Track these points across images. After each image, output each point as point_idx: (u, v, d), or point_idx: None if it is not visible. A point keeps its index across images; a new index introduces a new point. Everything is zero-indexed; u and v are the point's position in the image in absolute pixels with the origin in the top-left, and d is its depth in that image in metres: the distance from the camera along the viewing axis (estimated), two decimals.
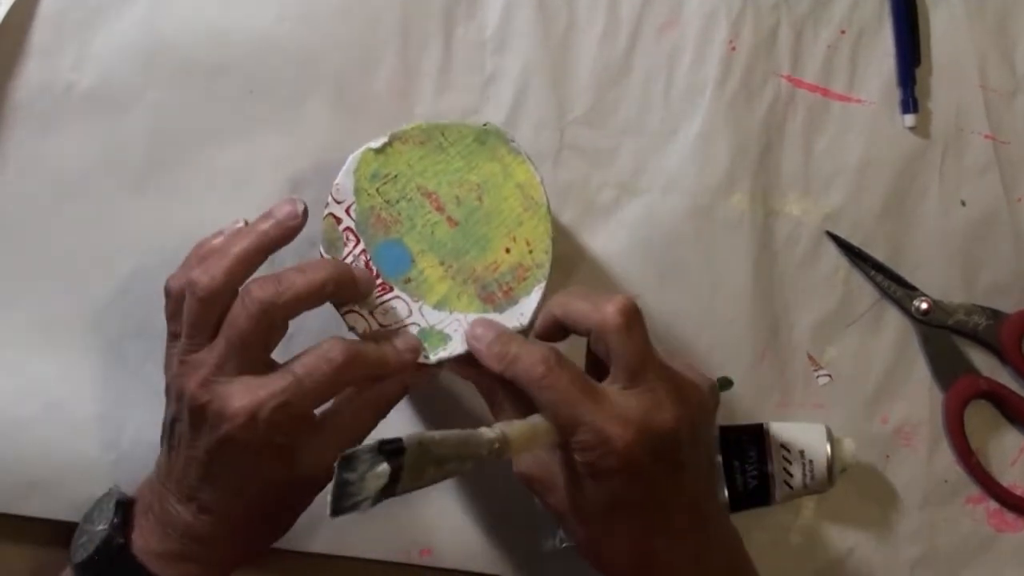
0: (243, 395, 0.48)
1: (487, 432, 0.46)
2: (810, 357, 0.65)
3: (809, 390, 0.65)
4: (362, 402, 0.53)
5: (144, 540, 0.51)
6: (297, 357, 0.50)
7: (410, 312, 0.54)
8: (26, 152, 0.62)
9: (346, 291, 0.52)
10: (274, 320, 0.49)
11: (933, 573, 0.64)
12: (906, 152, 0.66)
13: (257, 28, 0.63)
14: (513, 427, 0.47)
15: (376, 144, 0.55)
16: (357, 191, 0.54)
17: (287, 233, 0.52)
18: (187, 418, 0.50)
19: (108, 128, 0.62)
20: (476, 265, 0.54)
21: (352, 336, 0.53)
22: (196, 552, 0.51)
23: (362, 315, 0.54)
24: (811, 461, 0.61)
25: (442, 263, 0.54)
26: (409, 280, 0.54)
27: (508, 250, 0.54)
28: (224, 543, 0.51)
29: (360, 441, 0.51)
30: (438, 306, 0.54)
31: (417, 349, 0.53)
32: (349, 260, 0.54)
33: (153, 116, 0.62)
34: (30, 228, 0.62)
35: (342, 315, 0.54)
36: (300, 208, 0.52)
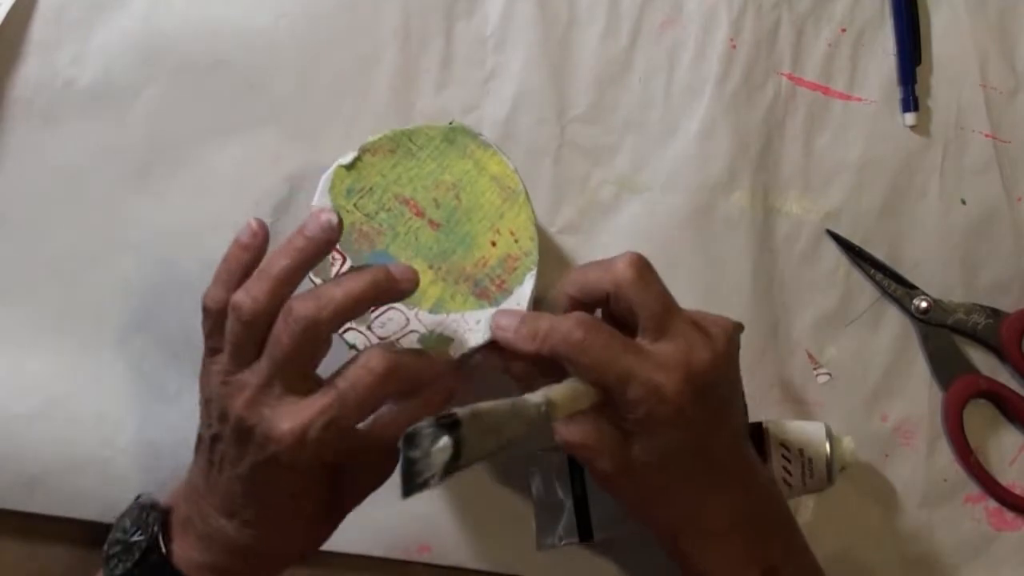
0: (290, 417, 0.47)
1: (532, 397, 0.46)
2: (810, 355, 0.65)
3: (809, 388, 0.65)
4: (403, 408, 0.52)
5: (186, 552, 0.51)
6: (339, 372, 0.49)
7: (407, 321, 0.54)
8: (26, 147, 0.62)
9: (388, 293, 0.50)
10: (317, 337, 0.48)
11: (932, 572, 0.64)
12: (906, 151, 0.66)
13: (257, 25, 0.63)
14: (554, 390, 0.48)
15: (346, 160, 0.54)
16: (335, 209, 0.54)
17: (322, 248, 0.51)
18: (232, 438, 0.49)
19: (107, 124, 0.62)
20: (465, 263, 0.54)
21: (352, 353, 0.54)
22: (239, 565, 0.51)
23: (360, 331, 0.54)
24: (810, 460, 0.61)
25: (431, 267, 0.54)
26: None
27: (494, 243, 0.54)
28: (268, 555, 0.52)
29: None
30: (434, 310, 0.54)
31: (450, 360, 0.53)
32: None
33: (152, 112, 0.62)
34: (29, 224, 0.62)
35: (340, 335, 0.53)
36: (333, 221, 0.50)
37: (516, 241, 0.54)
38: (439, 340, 0.53)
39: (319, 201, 0.54)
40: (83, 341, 0.61)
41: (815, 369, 0.65)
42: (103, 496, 0.60)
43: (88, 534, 0.59)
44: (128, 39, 0.62)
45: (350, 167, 0.54)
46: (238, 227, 0.57)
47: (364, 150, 0.55)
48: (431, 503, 0.62)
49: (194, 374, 0.60)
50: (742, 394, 0.54)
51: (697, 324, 0.51)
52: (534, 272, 0.54)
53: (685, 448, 0.50)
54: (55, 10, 0.62)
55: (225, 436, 0.50)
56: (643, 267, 0.51)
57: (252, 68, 0.63)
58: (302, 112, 0.63)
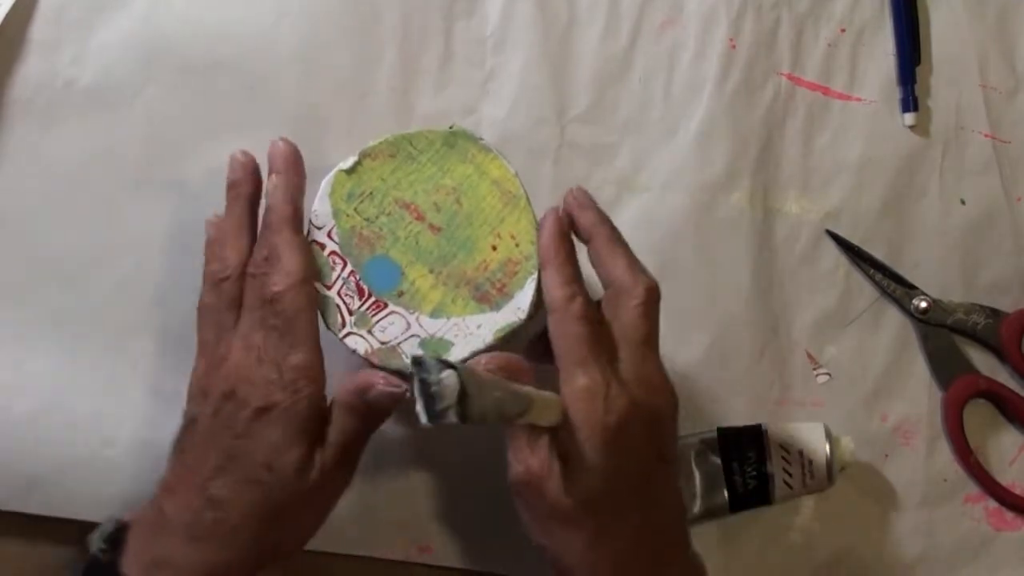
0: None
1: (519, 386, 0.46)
2: (809, 355, 0.65)
3: (808, 388, 0.65)
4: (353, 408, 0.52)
5: (134, 555, 0.51)
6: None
7: (408, 325, 0.54)
8: (25, 148, 0.62)
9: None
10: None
11: (932, 572, 0.64)
12: (906, 151, 0.66)
13: (256, 25, 0.63)
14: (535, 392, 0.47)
15: (346, 164, 0.54)
16: (335, 214, 0.54)
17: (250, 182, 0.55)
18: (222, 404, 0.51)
19: (107, 124, 0.62)
20: (466, 267, 0.54)
21: (354, 358, 0.54)
22: (188, 556, 0.50)
23: (361, 336, 0.54)
24: (810, 461, 0.61)
25: (432, 271, 0.54)
26: (402, 293, 0.54)
27: (495, 247, 0.54)
28: (225, 543, 0.51)
29: (357, 453, 0.53)
30: (435, 314, 0.54)
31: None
32: (339, 284, 0.54)
33: (152, 112, 0.62)
34: (28, 224, 0.62)
35: (341, 339, 0.53)
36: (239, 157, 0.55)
37: (517, 245, 0.54)
38: (440, 344, 0.53)
39: (319, 206, 0.54)
40: (83, 341, 0.61)
41: (815, 369, 0.65)
42: (102, 497, 0.59)
43: (87, 535, 0.59)
44: (128, 39, 0.62)
45: (350, 172, 0.54)
46: None
47: (364, 155, 0.55)
48: (432, 504, 0.62)
49: None
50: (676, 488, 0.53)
51: (665, 376, 0.51)
52: (535, 276, 0.54)
53: (627, 485, 0.49)
54: (55, 10, 0.62)
55: (219, 408, 0.51)
56: (657, 299, 0.51)
57: (252, 68, 0.63)
58: (302, 113, 0.63)
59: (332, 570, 0.62)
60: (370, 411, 0.52)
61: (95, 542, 0.52)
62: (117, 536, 0.52)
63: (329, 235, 0.54)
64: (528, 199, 0.54)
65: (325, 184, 0.54)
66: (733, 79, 0.65)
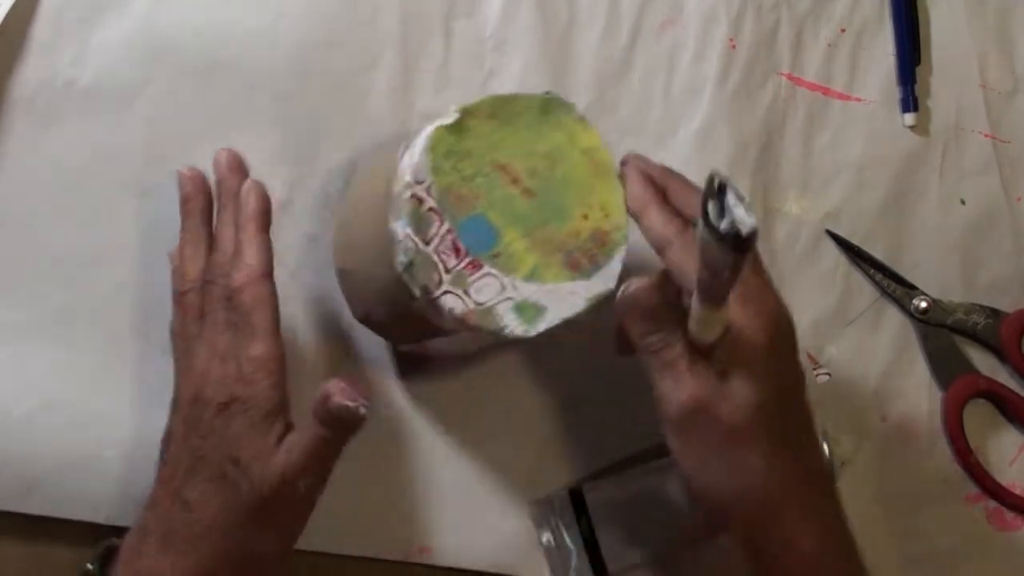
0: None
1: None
2: (809, 355, 0.65)
3: (808, 388, 0.65)
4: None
5: (119, 572, 0.51)
6: None
7: (503, 287, 0.52)
8: (25, 148, 0.61)
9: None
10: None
11: (931, 572, 0.64)
12: (906, 151, 0.66)
13: (256, 25, 0.63)
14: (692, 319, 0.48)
15: (447, 120, 0.53)
16: (434, 170, 0.52)
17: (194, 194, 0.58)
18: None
19: (107, 124, 0.62)
20: (558, 234, 0.53)
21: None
22: (164, 564, 0.50)
23: (458, 295, 0.52)
24: None
25: (526, 235, 0.53)
26: (498, 255, 0.52)
27: (586, 216, 0.53)
28: (198, 547, 0.50)
29: (325, 461, 0.51)
30: (529, 278, 0.53)
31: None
32: (436, 240, 0.52)
33: (152, 112, 0.62)
34: (29, 224, 0.61)
35: (437, 299, 0.51)
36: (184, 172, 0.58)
37: (607, 216, 0.53)
38: (534, 308, 0.52)
39: (420, 160, 0.52)
40: (83, 341, 0.61)
41: (815, 369, 0.65)
42: (102, 497, 0.59)
43: (88, 535, 0.59)
44: (128, 39, 0.62)
45: (451, 128, 0.53)
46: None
47: (465, 112, 0.53)
48: (432, 503, 0.62)
49: None
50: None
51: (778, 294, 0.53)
52: (624, 248, 0.53)
53: (777, 393, 0.49)
54: (55, 10, 0.62)
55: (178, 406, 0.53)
56: None
57: (252, 69, 0.63)
58: (301, 112, 0.63)
59: (332, 570, 0.62)
60: (332, 420, 0.50)
61: (90, 563, 0.54)
62: (108, 556, 0.53)
63: (428, 191, 0.52)
64: (617, 170, 0.54)
65: (424, 139, 0.52)
66: (733, 79, 0.65)
